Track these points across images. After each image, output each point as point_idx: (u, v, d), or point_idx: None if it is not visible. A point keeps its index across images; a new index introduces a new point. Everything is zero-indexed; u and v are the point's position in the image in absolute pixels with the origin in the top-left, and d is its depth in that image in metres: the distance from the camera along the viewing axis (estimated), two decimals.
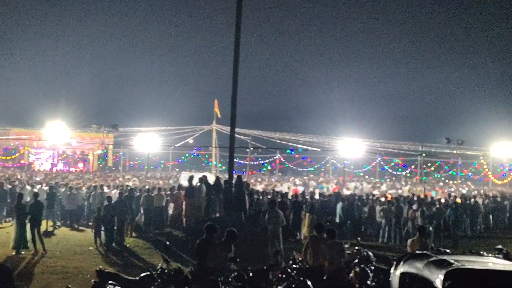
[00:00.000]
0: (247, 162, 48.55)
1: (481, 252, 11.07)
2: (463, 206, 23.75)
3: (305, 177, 50.14)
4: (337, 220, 21.84)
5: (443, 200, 25.52)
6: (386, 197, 27.34)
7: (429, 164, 53.12)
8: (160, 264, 9.41)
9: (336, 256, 10.34)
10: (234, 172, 20.87)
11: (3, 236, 17.46)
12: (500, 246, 12.51)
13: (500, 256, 11.02)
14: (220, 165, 53.77)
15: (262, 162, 58.97)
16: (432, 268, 5.24)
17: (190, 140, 55.59)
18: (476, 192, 37.58)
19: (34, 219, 16.64)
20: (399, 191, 37.49)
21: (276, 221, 16.15)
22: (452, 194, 30.88)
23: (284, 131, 54.60)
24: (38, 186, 25.28)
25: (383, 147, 51.45)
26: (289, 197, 23.37)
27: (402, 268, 5.90)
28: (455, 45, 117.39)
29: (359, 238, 14.20)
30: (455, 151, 46.75)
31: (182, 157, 61.60)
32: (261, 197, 22.60)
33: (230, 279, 8.27)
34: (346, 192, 30.76)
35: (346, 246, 11.51)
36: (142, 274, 9.13)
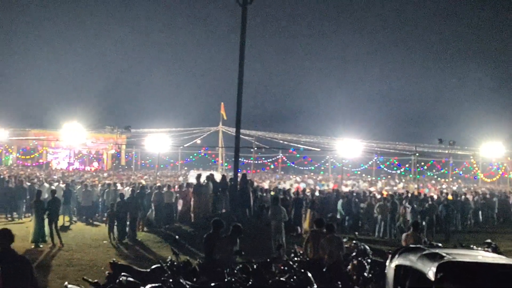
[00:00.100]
0: (251, 161, 48.57)
1: (471, 246, 11.05)
2: (454, 202, 23.78)
3: (306, 175, 50.16)
4: (338, 216, 21.90)
5: (435, 197, 25.50)
6: (382, 194, 27.32)
7: (423, 163, 53.05)
8: (170, 257, 9.43)
9: (335, 249, 10.35)
10: (239, 170, 20.87)
11: (22, 231, 17.45)
12: (489, 240, 12.53)
13: (489, 249, 11.03)
14: (226, 164, 53.75)
15: (265, 160, 59.02)
16: (425, 261, 5.23)
17: (198, 141, 55.64)
18: (466, 189, 37.54)
19: (51, 215, 16.68)
20: (394, 188, 37.46)
21: (278, 216, 16.15)
22: (444, 191, 30.84)
23: (286, 132, 54.60)
24: (56, 184, 25.30)
25: (379, 147, 51.35)
26: (291, 194, 23.37)
27: (397, 261, 5.90)
28: (447, 52, 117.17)
29: (356, 233, 14.21)
30: (446, 151, 46.56)
31: (191, 157, 61.61)
32: (264, 194, 22.60)
33: (235, 271, 8.28)
34: (344, 189, 30.68)
35: (345, 240, 11.52)
36: (153, 266, 9.12)
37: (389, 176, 53.04)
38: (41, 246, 16.02)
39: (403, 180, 47.88)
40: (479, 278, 4.95)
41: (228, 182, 20.24)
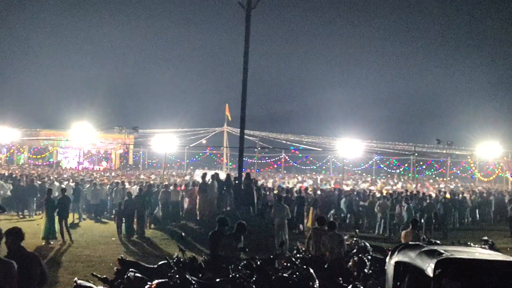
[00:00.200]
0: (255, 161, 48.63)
1: (469, 243, 11.05)
2: (452, 201, 23.76)
3: (308, 174, 50.16)
4: (342, 214, 21.99)
5: (433, 196, 25.48)
6: (382, 193, 27.30)
7: (421, 163, 53.01)
8: (176, 253, 9.42)
9: (336, 246, 10.35)
10: (243, 170, 20.87)
11: (34, 228, 17.50)
12: (485, 238, 12.53)
13: (486, 246, 10.98)
14: (230, 163, 53.81)
15: (268, 160, 59.05)
16: (424, 257, 5.23)
17: (203, 141, 55.75)
18: (463, 188, 37.47)
19: (61, 212, 16.71)
20: (394, 187, 37.42)
21: (281, 214, 16.13)
22: (442, 190, 30.81)
23: (289, 132, 54.70)
24: (66, 182, 25.40)
25: (379, 147, 51.33)
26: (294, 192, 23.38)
27: (397, 258, 5.89)
28: (446, 55, 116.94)
29: (357, 230, 14.18)
30: (444, 151, 46.62)
31: (196, 156, 61.68)
32: (268, 193, 22.61)
33: (240, 267, 8.27)
34: (345, 188, 30.68)
35: (345, 237, 11.52)
36: (160, 262, 9.13)
37: (388, 176, 52.98)
38: (51, 242, 16.04)
39: (402, 180, 47.84)
40: (476, 274, 4.94)
41: (233, 181, 20.26)
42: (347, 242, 11.25)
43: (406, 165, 53.95)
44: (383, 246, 12.37)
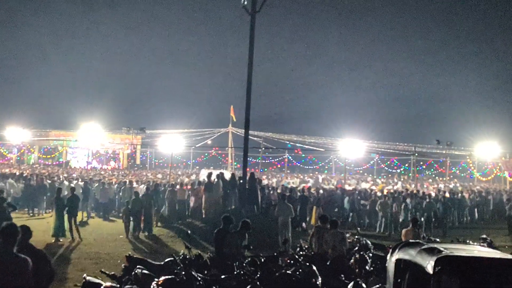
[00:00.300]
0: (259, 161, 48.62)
1: (468, 241, 11.01)
2: (451, 200, 23.70)
3: (311, 174, 50.11)
4: (345, 213, 22.02)
5: (433, 195, 25.42)
6: (383, 192, 27.26)
7: (421, 163, 52.87)
8: (182, 251, 9.44)
9: (338, 244, 10.35)
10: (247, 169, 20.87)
11: (44, 225, 17.54)
12: (484, 236, 12.50)
13: (485, 244, 10.97)
14: (235, 163, 53.81)
15: (272, 160, 59.01)
16: (424, 255, 5.21)
17: (209, 141, 55.81)
18: (462, 188, 37.35)
19: (71, 211, 16.76)
20: (395, 187, 37.34)
21: (285, 213, 16.14)
22: (442, 189, 30.73)
23: (292, 133, 54.68)
24: (75, 182, 25.44)
25: (380, 147, 51.27)
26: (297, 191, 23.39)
27: (397, 255, 5.87)
28: (445, 56, 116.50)
29: (358, 228, 14.18)
30: (444, 151, 46.49)
31: (203, 156, 61.71)
32: (271, 192, 22.61)
33: (244, 264, 8.27)
34: (348, 187, 30.65)
35: (347, 235, 11.50)
36: (167, 260, 9.12)
37: (389, 175, 52.89)
38: (61, 240, 16.08)
39: (402, 179, 47.76)
40: (475, 271, 4.94)
41: (237, 180, 20.26)
42: (349, 240, 11.24)
43: (406, 165, 53.85)
44: (384, 244, 12.35)
